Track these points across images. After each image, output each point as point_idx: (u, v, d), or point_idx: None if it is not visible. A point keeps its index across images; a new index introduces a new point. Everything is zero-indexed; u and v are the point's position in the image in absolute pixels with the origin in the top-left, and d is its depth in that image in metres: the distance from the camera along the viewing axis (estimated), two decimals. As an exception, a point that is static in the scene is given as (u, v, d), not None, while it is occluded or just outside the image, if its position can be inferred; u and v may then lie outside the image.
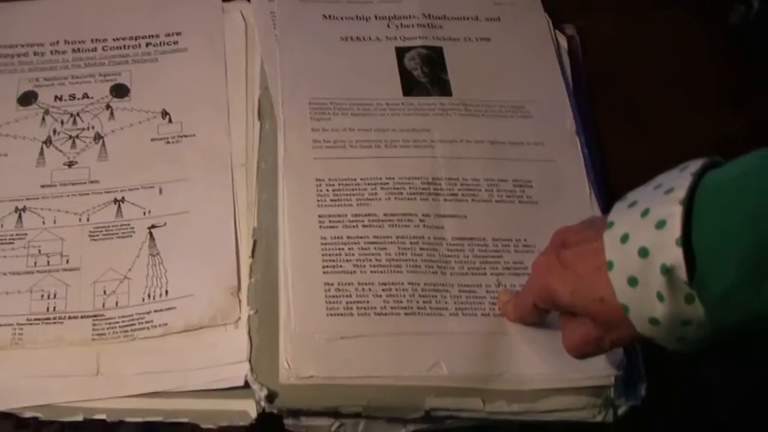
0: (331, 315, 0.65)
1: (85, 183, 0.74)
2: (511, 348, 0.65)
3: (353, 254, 0.67)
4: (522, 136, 0.75)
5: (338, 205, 0.70)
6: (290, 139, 0.73)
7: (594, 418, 0.65)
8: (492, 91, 0.78)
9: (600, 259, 0.53)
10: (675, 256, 0.48)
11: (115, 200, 0.73)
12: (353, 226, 0.69)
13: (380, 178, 0.71)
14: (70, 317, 0.67)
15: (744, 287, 0.47)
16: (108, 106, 0.77)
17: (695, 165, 0.51)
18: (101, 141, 0.76)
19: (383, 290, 0.66)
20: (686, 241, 0.48)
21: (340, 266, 0.67)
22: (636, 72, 0.85)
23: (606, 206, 0.73)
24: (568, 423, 0.66)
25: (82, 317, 0.67)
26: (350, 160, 0.72)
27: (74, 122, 0.77)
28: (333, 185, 0.71)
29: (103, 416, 0.64)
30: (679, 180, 0.50)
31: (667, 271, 0.49)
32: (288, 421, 0.65)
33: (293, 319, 0.64)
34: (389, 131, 0.74)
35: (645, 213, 0.51)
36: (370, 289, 0.66)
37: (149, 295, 0.68)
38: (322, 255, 0.67)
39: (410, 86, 0.77)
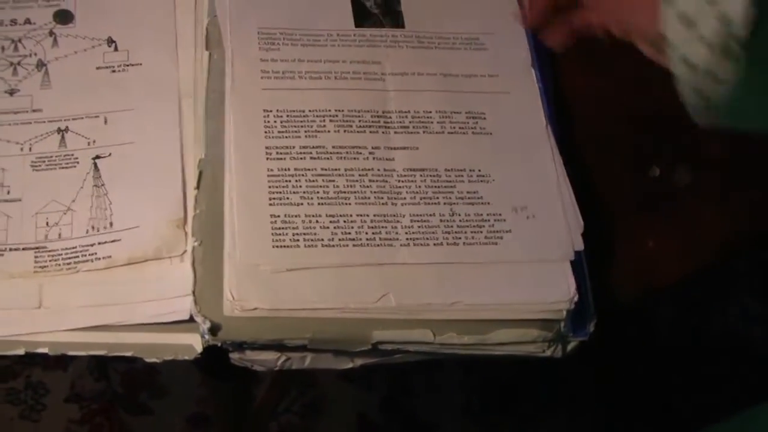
0: (277, 247, 0.64)
1: (27, 111, 0.71)
2: (464, 278, 0.65)
3: (300, 186, 0.66)
4: (476, 69, 0.74)
5: (286, 137, 0.68)
6: (238, 68, 0.71)
7: (543, 353, 0.65)
8: (446, 22, 0.76)
9: None
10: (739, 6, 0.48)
11: (59, 130, 0.71)
12: (301, 158, 0.67)
13: (329, 110, 0.70)
14: (11, 249, 0.66)
15: None
16: (51, 33, 0.75)
17: None
18: (44, 68, 0.73)
19: (331, 222, 0.65)
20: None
21: (287, 198, 0.66)
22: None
23: (561, 137, 0.72)
24: (516, 358, 0.66)
25: (23, 249, 0.66)
26: (299, 91, 0.71)
27: (15, 48, 0.74)
28: (281, 116, 0.69)
29: (45, 350, 0.63)
30: None
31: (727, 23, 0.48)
32: (234, 356, 0.64)
33: (238, 250, 0.63)
34: (339, 63, 0.72)
35: None
36: (317, 221, 0.65)
37: (93, 227, 0.67)
38: (269, 187, 0.66)
39: (362, 17, 0.75)
